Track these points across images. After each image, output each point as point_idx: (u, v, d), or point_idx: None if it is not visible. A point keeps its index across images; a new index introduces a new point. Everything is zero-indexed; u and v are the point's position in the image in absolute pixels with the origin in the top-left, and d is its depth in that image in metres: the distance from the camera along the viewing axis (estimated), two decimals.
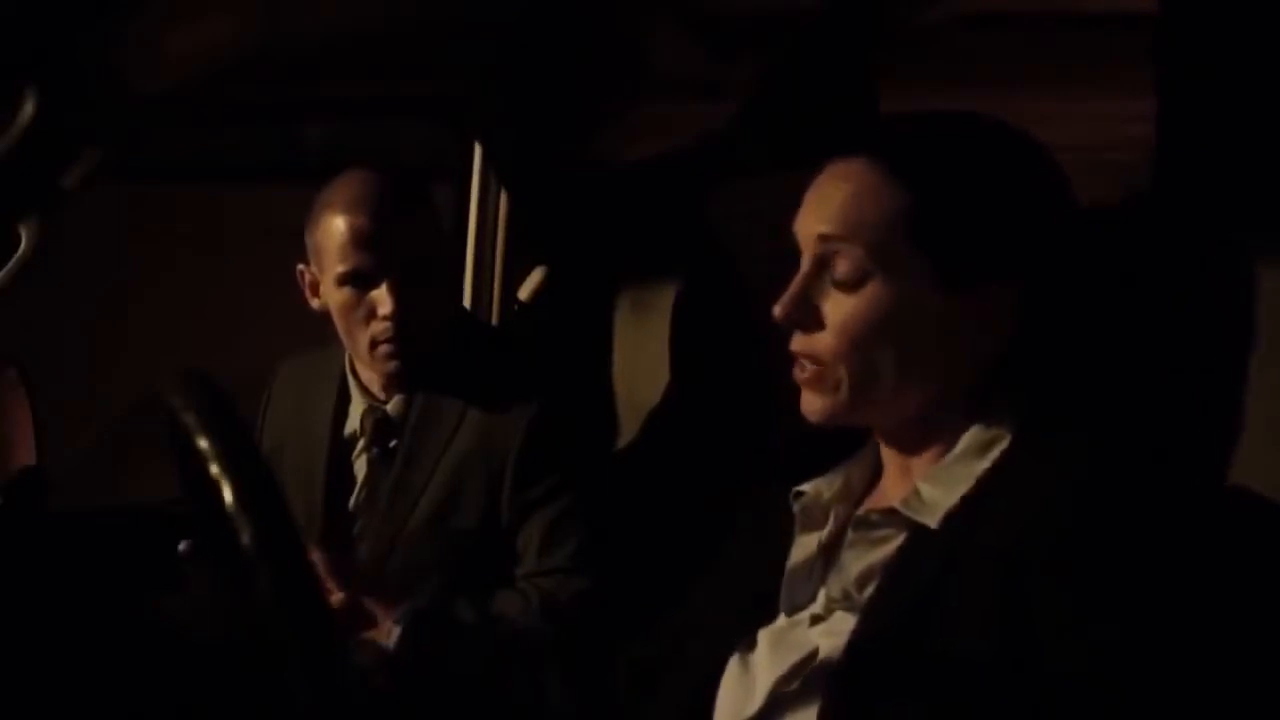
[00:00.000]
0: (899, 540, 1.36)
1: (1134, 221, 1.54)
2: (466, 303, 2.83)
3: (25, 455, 2.07)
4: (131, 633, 1.98)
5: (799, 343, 1.38)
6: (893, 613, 1.32)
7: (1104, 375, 1.44)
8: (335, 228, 2.21)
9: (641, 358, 2.66)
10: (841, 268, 1.35)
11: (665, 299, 2.63)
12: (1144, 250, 1.52)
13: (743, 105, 2.61)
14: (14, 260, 2.03)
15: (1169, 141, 1.70)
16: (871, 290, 1.34)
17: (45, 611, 1.88)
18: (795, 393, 1.43)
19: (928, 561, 1.32)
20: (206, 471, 1.41)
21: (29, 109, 1.80)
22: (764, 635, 1.43)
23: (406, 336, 2.22)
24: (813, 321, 1.37)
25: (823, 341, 1.36)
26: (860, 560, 1.37)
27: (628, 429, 2.65)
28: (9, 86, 1.79)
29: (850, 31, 2.53)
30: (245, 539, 1.37)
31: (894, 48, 2.61)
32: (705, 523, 2.46)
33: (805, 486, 1.47)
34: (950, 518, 1.32)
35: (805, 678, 1.37)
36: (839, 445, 1.47)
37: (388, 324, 2.20)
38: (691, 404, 2.60)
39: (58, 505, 2.08)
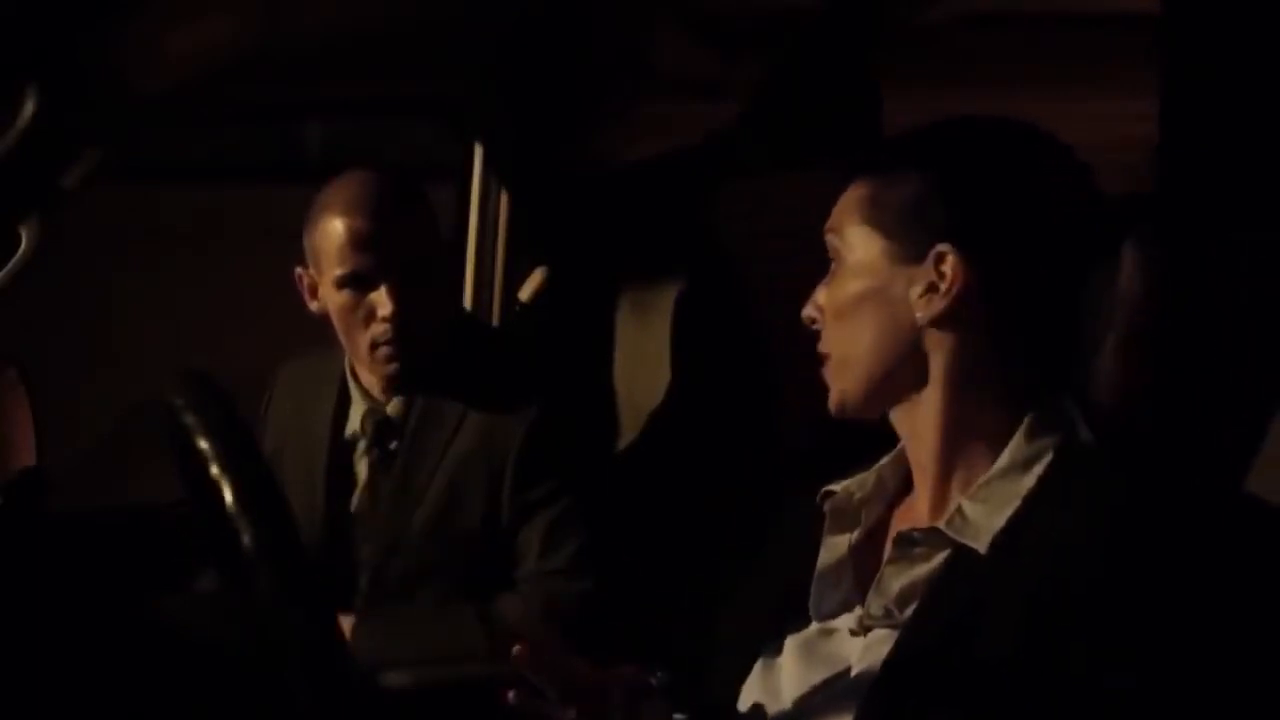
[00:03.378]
0: (941, 557, 1.36)
1: (1135, 222, 1.54)
2: (467, 303, 2.83)
3: (25, 455, 2.06)
4: (131, 633, 1.98)
5: (820, 340, 1.46)
6: (935, 632, 1.31)
7: (1131, 382, 1.43)
8: (333, 230, 2.21)
9: (642, 358, 2.66)
10: (832, 259, 1.45)
11: (666, 299, 2.63)
12: (1145, 250, 1.52)
13: (743, 105, 2.61)
14: (14, 260, 2.03)
15: (1170, 141, 1.70)
16: (842, 273, 1.43)
17: (45, 611, 1.88)
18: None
19: (972, 582, 1.32)
20: (207, 473, 1.41)
21: (29, 109, 1.80)
22: (792, 640, 1.42)
23: (406, 338, 2.21)
24: (816, 317, 1.46)
25: (822, 331, 1.45)
26: (901, 577, 1.37)
27: (628, 430, 2.65)
28: (9, 86, 1.79)
29: (850, 31, 2.53)
30: (246, 540, 1.37)
31: (894, 48, 2.61)
32: (706, 523, 2.46)
33: (835, 486, 1.47)
34: (996, 540, 1.33)
35: (837, 691, 1.36)
36: (869, 445, 1.47)
37: (387, 326, 2.20)
38: (692, 405, 2.60)
39: (58, 505, 2.08)
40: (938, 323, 1.38)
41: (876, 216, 1.41)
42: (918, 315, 1.39)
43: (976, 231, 1.37)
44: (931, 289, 1.38)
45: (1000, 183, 1.39)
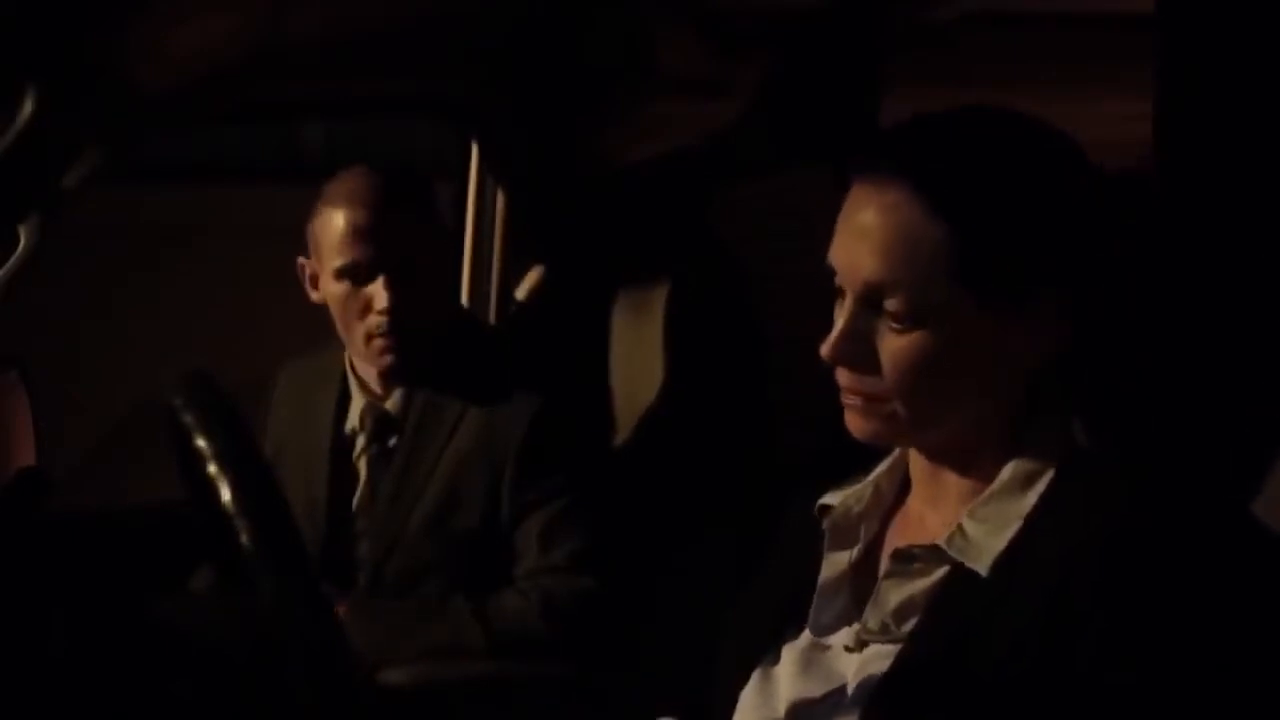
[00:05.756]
0: (940, 573, 1.34)
1: (1135, 222, 1.54)
2: (464, 301, 2.83)
3: (25, 455, 2.07)
4: (131, 633, 1.98)
5: (849, 379, 1.35)
6: (936, 649, 1.30)
7: (1133, 391, 1.42)
8: (333, 222, 2.22)
9: (640, 357, 2.66)
10: (890, 309, 1.31)
11: (663, 299, 2.63)
12: (1146, 251, 1.52)
13: (746, 104, 2.61)
14: (14, 260, 2.03)
15: (1169, 141, 1.70)
16: (925, 331, 1.31)
17: (45, 612, 1.88)
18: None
19: (974, 602, 1.30)
20: (207, 472, 1.41)
21: (29, 109, 1.80)
22: (788, 651, 1.41)
23: (402, 332, 2.22)
24: (863, 360, 1.33)
25: (878, 383, 1.33)
26: (899, 592, 1.35)
27: (625, 428, 2.65)
28: (9, 86, 1.79)
29: (854, 31, 2.53)
30: (246, 540, 1.37)
31: (895, 47, 2.61)
32: (704, 521, 2.46)
33: (831, 500, 1.44)
34: (998, 561, 1.31)
35: (834, 706, 1.35)
36: (865, 447, 1.44)
37: (383, 319, 2.21)
38: (688, 403, 2.60)
39: (58, 505, 2.08)
40: (1029, 366, 1.33)
41: (969, 273, 1.29)
42: (1013, 364, 1.32)
43: (1080, 273, 1.31)
44: (1031, 337, 1.31)
45: (1088, 215, 1.33)
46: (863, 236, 1.32)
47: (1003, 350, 1.32)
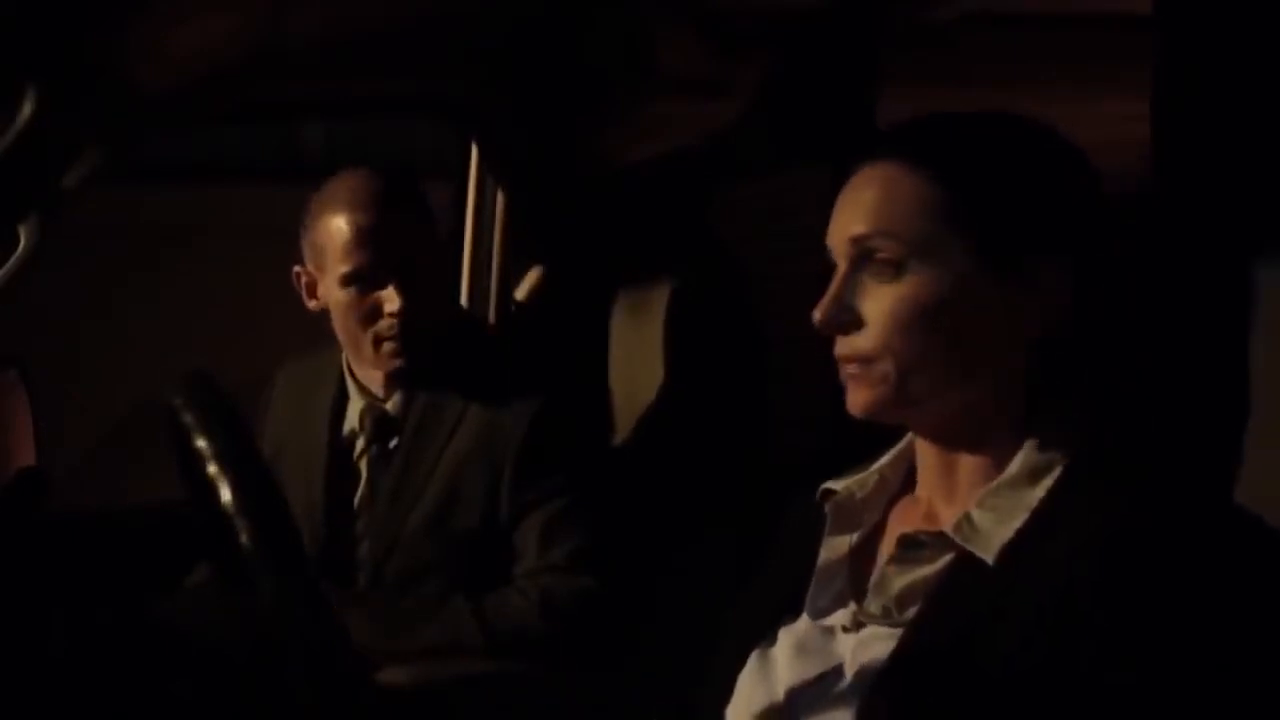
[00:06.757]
0: (944, 561, 1.35)
1: (1134, 222, 1.54)
2: (464, 301, 2.83)
3: (25, 455, 2.07)
4: (131, 633, 1.98)
5: (842, 346, 1.36)
6: (943, 636, 1.30)
7: (1138, 385, 1.42)
8: (337, 227, 2.21)
9: (639, 357, 2.66)
10: (878, 261, 1.33)
11: (663, 299, 2.63)
12: (1143, 251, 1.52)
13: (746, 104, 2.61)
14: (14, 260, 2.03)
15: (1167, 141, 1.70)
16: (912, 279, 1.33)
17: (45, 612, 1.88)
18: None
19: (980, 591, 1.31)
20: (207, 472, 1.41)
21: (29, 109, 1.80)
22: (785, 635, 1.42)
23: (411, 334, 2.22)
24: (853, 322, 1.35)
25: (866, 338, 1.34)
26: (903, 578, 1.36)
27: (625, 428, 2.65)
28: (9, 86, 1.79)
29: (854, 31, 2.53)
30: (246, 540, 1.37)
31: (895, 47, 2.61)
32: (703, 521, 2.46)
33: (835, 485, 1.45)
34: (1005, 551, 1.31)
35: (831, 688, 1.36)
36: (865, 444, 1.45)
37: (393, 321, 2.20)
38: (688, 403, 2.60)
39: (58, 505, 2.08)
40: (1026, 341, 1.34)
41: (963, 217, 1.31)
42: (1009, 333, 1.33)
43: (1076, 245, 1.33)
44: (1029, 305, 1.32)
45: (1083, 192, 1.35)
46: (855, 204, 1.36)
47: (993, 317, 1.33)
